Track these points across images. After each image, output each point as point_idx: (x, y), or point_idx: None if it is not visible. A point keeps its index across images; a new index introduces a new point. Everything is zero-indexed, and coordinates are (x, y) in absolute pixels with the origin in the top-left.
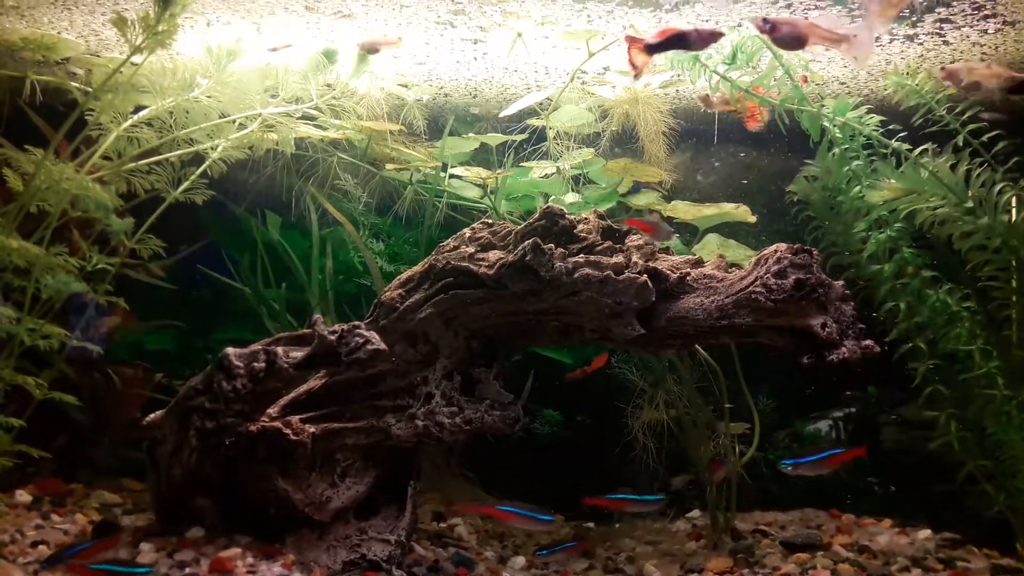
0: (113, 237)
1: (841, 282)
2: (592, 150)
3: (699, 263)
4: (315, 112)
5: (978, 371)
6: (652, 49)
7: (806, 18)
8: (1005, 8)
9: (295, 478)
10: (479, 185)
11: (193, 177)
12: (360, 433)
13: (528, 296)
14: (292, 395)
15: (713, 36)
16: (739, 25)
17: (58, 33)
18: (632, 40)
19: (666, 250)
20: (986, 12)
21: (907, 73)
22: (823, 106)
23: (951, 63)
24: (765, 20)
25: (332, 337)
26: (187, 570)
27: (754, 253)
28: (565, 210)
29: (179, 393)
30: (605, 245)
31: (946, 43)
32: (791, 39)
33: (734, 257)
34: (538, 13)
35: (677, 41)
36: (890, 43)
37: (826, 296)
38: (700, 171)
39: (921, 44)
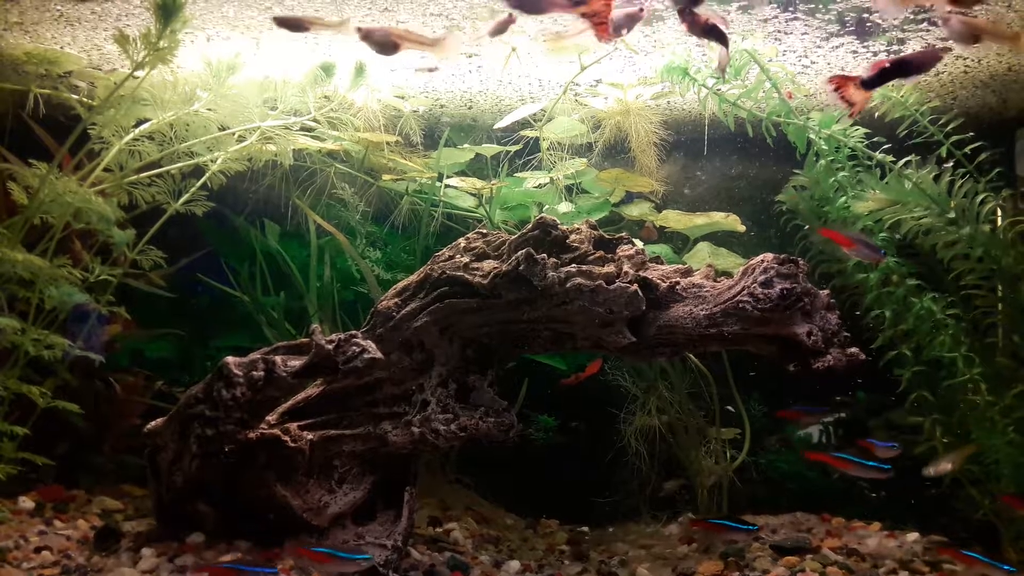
0: (115, 248)
1: (826, 291)
2: (585, 160)
3: (688, 272)
4: (313, 124)
5: (962, 377)
6: (870, 85)
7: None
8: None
9: (293, 484)
10: (474, 195)
11: (194, 189)
12: (357, 440)
13: (522, 305)
14: (290, 403)
15: (935, 58)
16: None
17: (61, 48)
18: (842, 79)
19: (657, 259)
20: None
21: (892, 86)
22: (809, 119)
23: (935, 74)
24: (359, 29)
25: (329, 346)
26: (187, 575)
27: (744, 261)
28: (558, 221)
29: (179, 401)
30: (597, 255)
31: None
32: (383, 44)
33: (724, 265)
34: (532, 28)
35: (896, 71)
36: (875, 56)
37: (812, 305)
38: (690, 181)
39: None
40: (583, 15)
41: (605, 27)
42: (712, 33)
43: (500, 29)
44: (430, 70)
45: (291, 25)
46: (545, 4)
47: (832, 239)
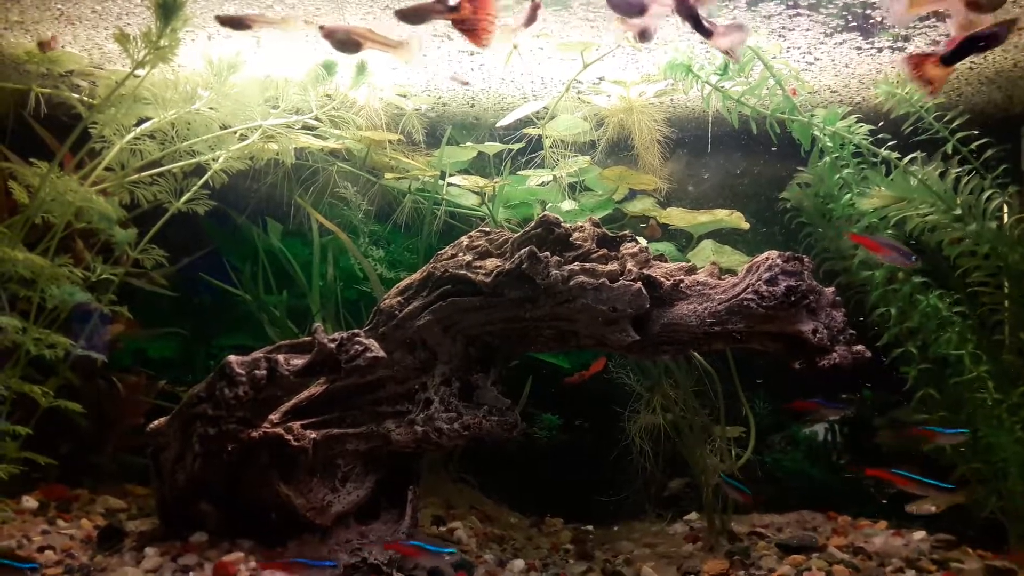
0: (117, 247)
1: (831, 289)
2: (588, 158)
3: (692, 270)
4: (315, 123)
5: (969, 375)
6: (949, 60)
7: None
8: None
9: (297, 483)
10: (477, 193)
11: (195, 188)
12: (360, 439)
13: (525, 303)
14: (293, 402)
15: (1005, 32)
16: None
17: (62, 47)
18: (920, 58)
19: (660, 257)
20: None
21: (897, 82)
22: (813, 115)
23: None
24: (322, 27)
25: (332, 345)
26: (191, 574)
27: (748, 259)
28: (561, 219)
29: (182, 400)
30: (600, 253)
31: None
32: (345, 43)
33: (728, 263)
34: (534, 26)
35: (972, 46)
36: (880, 52)
37: (817, 302)
38: (694, 178)
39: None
40: (454, 22)
41: (476, 35)
42: (691, 19)
43: (531, 18)
44: (463, 83)
45: (234, 24)
46: (424, 14)
47: (863, 245)
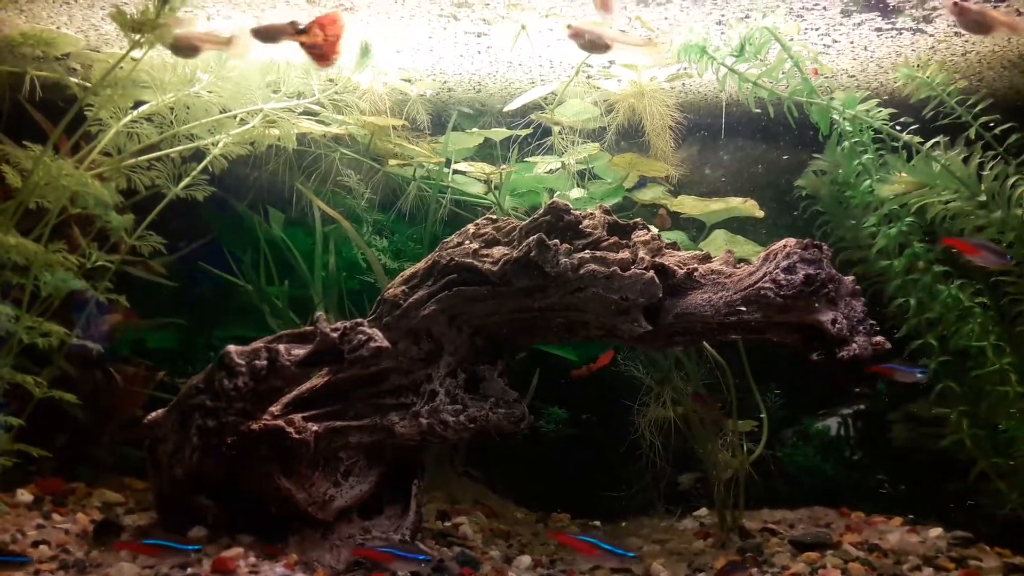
0: (113, 234)
1: (851, 277)
2: (597, 145)
3: (707, 259)
4: (317, 107)
5: (990, 367)
6: None
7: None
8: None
9: (298, 477)
10: (483, 181)
11: (194, 173)
12: (363, 431)
13: (533, 292)
14: (294, 393)
15: None
16: (746, 17)
17: (57, 28)
18: None
19: (673, 245)
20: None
21: (918, 65)
22: (832, 99)
23: (962, 54)
24: (170, 44)
25: (334, 335)
26: (189, 570)
27: (762, 248)
28: (570, 205)
29: (180, 391)
30: (611, 241)
31: (958, 34)
32: (185, 49)
33: (742, 252)
34: (543, 5)
35: None
36: (899, 34)
37: (836, 292)
38: (707, 165)
39: (932, 36)
40: (303, 44)
41: (324, 58)
42: None
43: None
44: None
45: None
46: (275, 34)
47: (955, 247)
